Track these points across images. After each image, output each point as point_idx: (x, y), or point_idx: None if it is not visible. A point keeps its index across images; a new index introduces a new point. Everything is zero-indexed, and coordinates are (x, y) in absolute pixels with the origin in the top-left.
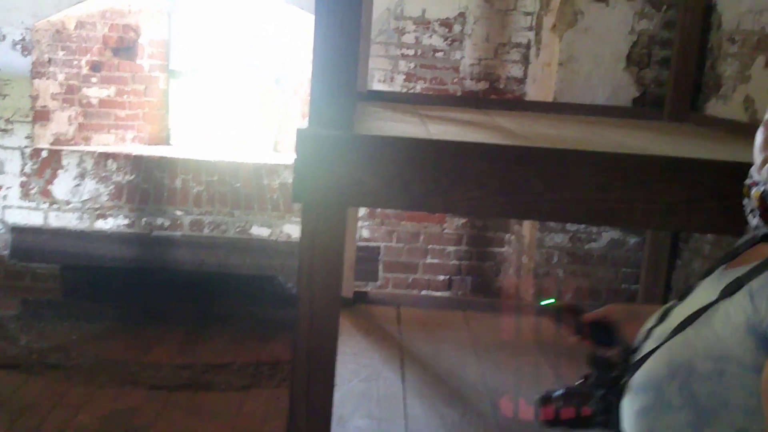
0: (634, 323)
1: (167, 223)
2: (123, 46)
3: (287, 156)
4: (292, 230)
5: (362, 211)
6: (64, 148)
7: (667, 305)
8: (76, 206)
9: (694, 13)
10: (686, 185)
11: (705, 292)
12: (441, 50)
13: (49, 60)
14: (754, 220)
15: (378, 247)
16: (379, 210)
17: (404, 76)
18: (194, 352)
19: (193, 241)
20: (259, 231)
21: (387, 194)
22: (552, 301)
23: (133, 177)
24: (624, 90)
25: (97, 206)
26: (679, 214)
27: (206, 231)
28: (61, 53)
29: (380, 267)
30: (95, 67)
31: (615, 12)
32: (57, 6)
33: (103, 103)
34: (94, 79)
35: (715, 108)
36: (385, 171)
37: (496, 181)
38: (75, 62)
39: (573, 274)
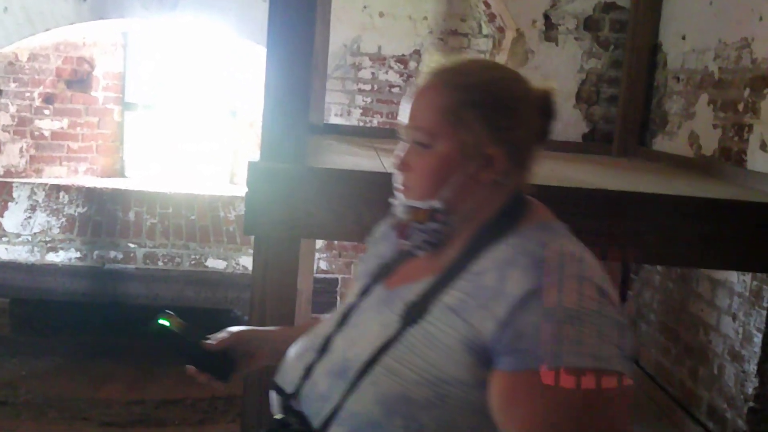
0: (263, 351)
1: (120, 256)
2: (77, 79)
3: (243, 188)
4: (249, 262)
5: (320, 243)
6: (15, 180)
7: (324, 332)
8: (26, 239)
9: (640, 53)
10: (632, 218)
11: (371, 315)
12: (397, 85)
13: (1, 91)
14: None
15: (336, 279)
16: (336, 242)
17: (361, 110)
18: (147, 388)
19: (147, 274)
20: (215, 263)
21: (339, 227)
22: (167, 322)
23: (85, 209)
24: (574, 126)
25: (48, 239)
26: (626, 246)
27: (160, 264)
28: (13, 85)
29: (338, 299)
30: (48, 99)
31: (564, 51)
32: (8, 38)
33: (55, 135)
34: (46, 111)
35: (662, 143)
36: (337, 204)
37: None
38: (27, 94)
39: None
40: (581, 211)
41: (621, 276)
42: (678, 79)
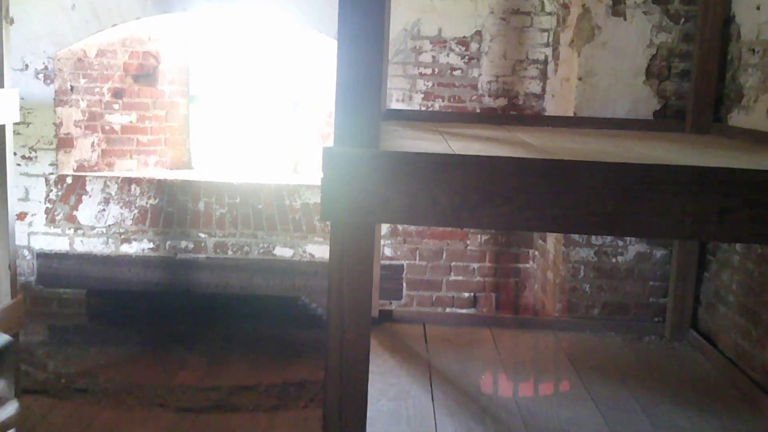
0: None
1: (191, 246)
2: (143, 73)
3: (307, 176)
4: (315, 250)
5: (384, 230)
6: (88, 174)
7: None
8: (100, 231)
9: (713, 25)
10: (718, 195)
11: None
12: (458, 68)
13: (72, 88)
14: None
15: (401, 265)
16: (401, 228)
17: (422, 95)
18: (220, 375)
19: (217, 263)
20: (282, 251)
21: (414, 211)
22: None
23: (156, 201)
24: (644, 103)
25: (121, 231)
26: (711, 224)
27: (230, 253)
28: (83, 81)
29: (404, 285)
30: (117, 93)
31: (633, 26)
32: (77, 35)
33: (125, 129)
34: (116, 106)
35: (737, 119)
36: (412, 188)
37: (525, 196)
38: (97, 89)
39: (600, 288)
40: (667, 188)
41: (697, 257)
42: (753, 51)
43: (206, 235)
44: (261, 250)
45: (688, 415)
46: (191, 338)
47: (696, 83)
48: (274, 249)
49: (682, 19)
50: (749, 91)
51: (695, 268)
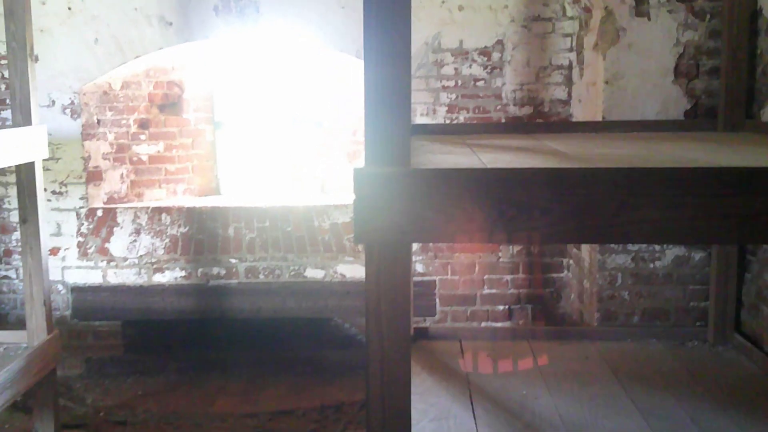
0: None
1: (223, 272)
2: (168, 102)
3: (335, 196)
4: (346, 270)
5: (415, 246)
6: (119, 206)
7: None
8: (133, 262)
9: (740, 20)
10: (763, 196)
11: None
12: (481, 79)
13: (98, 121)
14: None
15: (433, 281)
16: (432, 244)
17: (446, 108)
18: (258, 400)
19: (250, 288)
20: (314, 273)
21: (450, 228)
22: None
23: (186, 229)
24: (674, 103)
25: (153, 260)
26: (759, 227)
27: (261, 277)
28: (109, 114)
29: (437, 301)
30: (143, 124)
31: (658, 25)
32: (101, 68)
33: (152, 159)
34: (142, 137)
35: None
36: (446, 204)
37: (563, 206)
38: (123, 121)
39: (638, 295)
40: (708, 191)
41: (737, 258)
42: None
43: (237, 261)
44: (292, 273)
45: (737, 421)
46: (227, 364)
47: (726, 80)
48: (305, 271)
49: (708, 16)
50: None
51: (735, 270)
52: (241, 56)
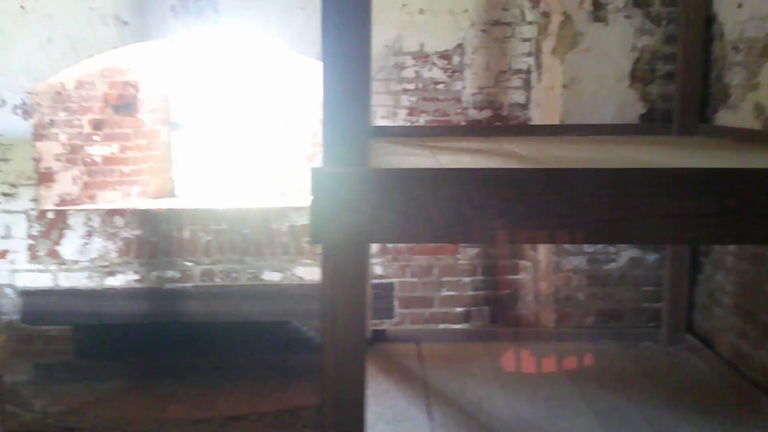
0: None
1: (178, 275)
2: (124, 103)
3: (294, 199)
4: (304, 272)
5: (374, 248)
6: (70, 208)
7: None
8: (85, 265)
9: (695, 26)
10: (715, 196)
11: None
12: (442, 82)
13: (51, 121)
14: None
15: (392, 284)
16: (391, 245)
17: (407, 111)
18: (212, 406)
19: (205, 291)
20: (271, 276)
21: (407, 228)
22: None
23: (140, 232)
24: (630, 107)
25: (106, 263)
26: (709, 227)
27: (217, 280)
28: (62, 114)
29: (395, 303)
30: (97, 125)
31: (615, 30)
32: (55, 68)
33: (106, 160)
34: (96, 138)
35: (724, 118)
36: (404, 205)
37: (520, 207)
38: (76, 122)
39: (593, 296)
40: (663, 192)
41: (689, 259)
42: (737, 49)
43: (193, 264)
44: (249, 276)
45: (689, 420)
46: (181, 369)
47: (681, 85)
48: (262, 274)
49: (664, 21)
50: (735, 89)
51: (688, 271)
52: (200, 57)
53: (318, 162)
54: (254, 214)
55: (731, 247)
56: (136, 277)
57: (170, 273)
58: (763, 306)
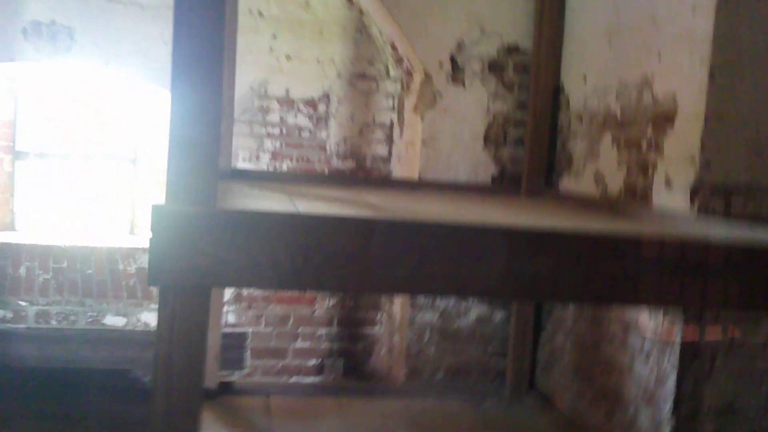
0: None
1: (9, 316)
2: None
3: (144, 239)
4: (151, 318)
5: (228, 295)
6: None
7: None
8: None
9: (544, 95)
10: (551, 256)
11: None
12: (306, 129)
13: None
14: None
15: (245, 333)
16: (246, 293)
17: (270, 155)
18: None
19: (40, 334)
20: (114, 320)
21: (254, 273)
22: None
23: None
24: (483, 167)
25: None
26: (547, 286)
27: (54, 323)
28: None
29: (247, 354)
30: None
31: (471, 94)
32: None
33: None
34: None
35: (568, 183)
36: (251, 249)
37: (369, 256)
38: None
39: (444, 351)
40: (502, 250)
41: (533, 318)
42: (581, 119)
43: (27, 303)
44: (89, 320)
45: None
46: (8, 417)
47: (529, 150)
48: (104, 318)
49: (516, 88)
50: (578, 157)
51: (532, 330)
52: (50, 84)
53: (162, 200)
54: (99, 254)
55: (571, 308)
56: None
57: (1, 313)
58: (599, 367)
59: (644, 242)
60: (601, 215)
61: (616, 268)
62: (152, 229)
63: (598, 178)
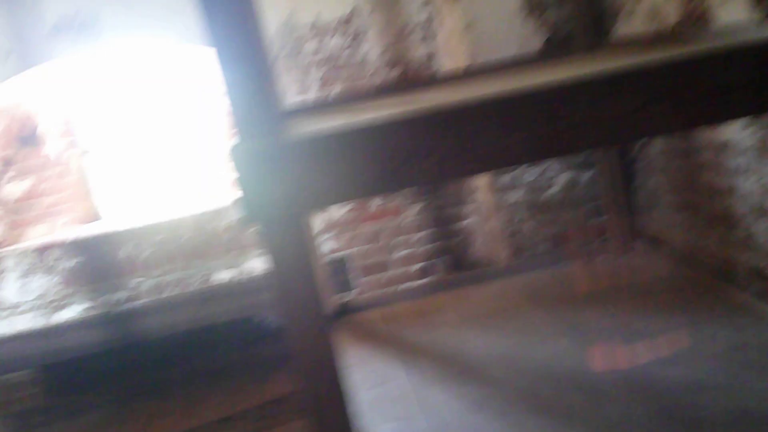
0: None
1: (127, 295)
2: (27, 135)
3: (221, 199)
4: (253, 266)
5: (320, 226)
6: (0, 251)
7: None
8: (30, 305)
9: None
10: (629, 94)
11: None
12: (346, 48)
13: None
14: None
15: (345, 256)
16: (336, 219)
17: (319, 83)
18: (196, 414)
19: (158, 304)
20: (221, 276)
21: (339, 189)
22: None
23: (79, 260)
24: (531, 38)
25: (51, 299)
26: (629, 124)
27: (168, 291)
28: None
29: (353, 274)
30: (6, 162)
31: None
32: None
33: (24, 196)
34: (8, 175)
35: (624, 27)
36: (331, 166)
37: (446, 143)
38: None
39: (539, 225)
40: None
41: (620, 170)
42: None
43: (142, 279)
44: (200, 281)
45: (658, 318)
46: (155, 387)
47: (576, 5)
48: (212, 276)
49: None
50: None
51: (621, 180)
52: (93, 74)
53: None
54: (188, 221)
55: (659, 148)
56: (86, 305)
57: (119, 294)
58: (702, 196)
59: (722, 56)
60: (667, 46)
61: (700, 89)
62: (237, 169)
63: (654, 14)
